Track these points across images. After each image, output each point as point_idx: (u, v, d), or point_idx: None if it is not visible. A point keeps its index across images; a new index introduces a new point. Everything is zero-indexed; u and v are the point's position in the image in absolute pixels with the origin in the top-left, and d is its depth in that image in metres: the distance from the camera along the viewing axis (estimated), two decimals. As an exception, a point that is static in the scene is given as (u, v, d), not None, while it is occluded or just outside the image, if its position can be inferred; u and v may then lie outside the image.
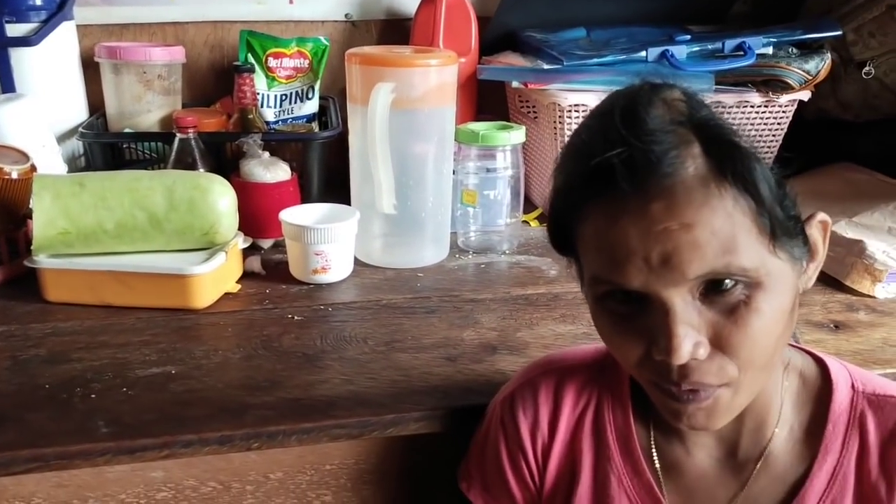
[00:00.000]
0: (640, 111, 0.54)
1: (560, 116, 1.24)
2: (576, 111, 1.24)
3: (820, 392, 0.64)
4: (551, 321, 0.99)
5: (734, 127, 0.55)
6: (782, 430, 0.63)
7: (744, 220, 0.52)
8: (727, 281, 0.53)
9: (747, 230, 0.52)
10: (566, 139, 1.26)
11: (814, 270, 0.60)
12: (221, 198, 1.05)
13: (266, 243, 1.23)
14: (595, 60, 1.25)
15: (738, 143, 0.54)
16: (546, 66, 1.27)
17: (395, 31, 1.55)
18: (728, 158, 0.52)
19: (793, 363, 0.65)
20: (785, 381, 0.64)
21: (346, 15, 1.54)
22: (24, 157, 1.11)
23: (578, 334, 0.95)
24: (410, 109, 1.10)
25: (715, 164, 0.52)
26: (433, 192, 1.17)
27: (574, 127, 1.24)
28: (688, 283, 0.53)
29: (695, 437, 0.65)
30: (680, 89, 0.57)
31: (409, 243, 1.19)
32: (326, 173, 1.33)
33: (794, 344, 0.68)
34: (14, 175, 1.08)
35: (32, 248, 1.01)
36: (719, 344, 0.54)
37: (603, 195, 0.54)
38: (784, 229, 0.54)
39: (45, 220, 1.00)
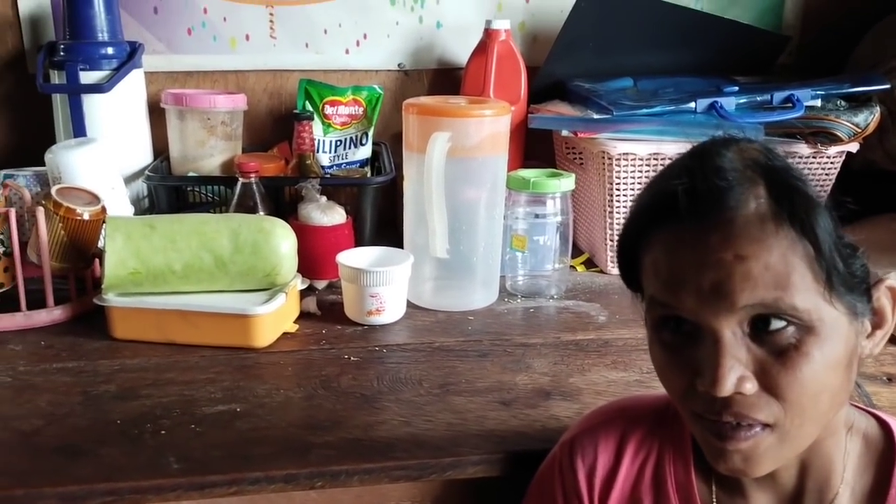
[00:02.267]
0: (713, 150, 0.58)
1: (609, 164, 1.27)
2: (625, 159, 1.27)
3: (883, 455, 0.64)
4: (603, 367, 1.00)
5: (806, 177, 0.57)
6: (844, 494, 0.63)
7: (800, 263, 0.54)
8: (778, 321, 0.54)
9: (802, 273, 0.54)
10: (615, 187, 1.28)
11: (881, 337, 0.60)
12: (283, 241, 1.10)
13: (321, 284, 1.27)
14: (644, 111, 1.28)
15: (804, 190, 0.55)
16: (596, 116, 1.30)
17: (446, 80, 1.60)
18: (791, 202, 0.54)
19: (856, 425, 0.65)
20: (848, 443, 0.64)
21: (398, 64, 1.59)
22: (95, 199, 1.17)
23: (631, 381, 0.97)
24: (465, 158, 1.14)
25: (777, 205, 0.54)
26: (484, 238, 1.20)
27: (623, 175, 1.27)
28: (737, 315, 0.54)
29: (756, 493, 0.65)
30: (759, 143, 0.59)
31: (460, 287, 1.22)
32: (378, 216, 1.37)
33: (858, 405, 0.68)
34: (86, 216, 1.13)
35: (103, 286, 1.06)
36: (766, 384, 0.55)
37: (666, 224, 0.57)
38: (843, 281, 0.55)
39: (116, 260, 1.04)
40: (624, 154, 1.26)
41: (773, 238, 0.54)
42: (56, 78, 1.35)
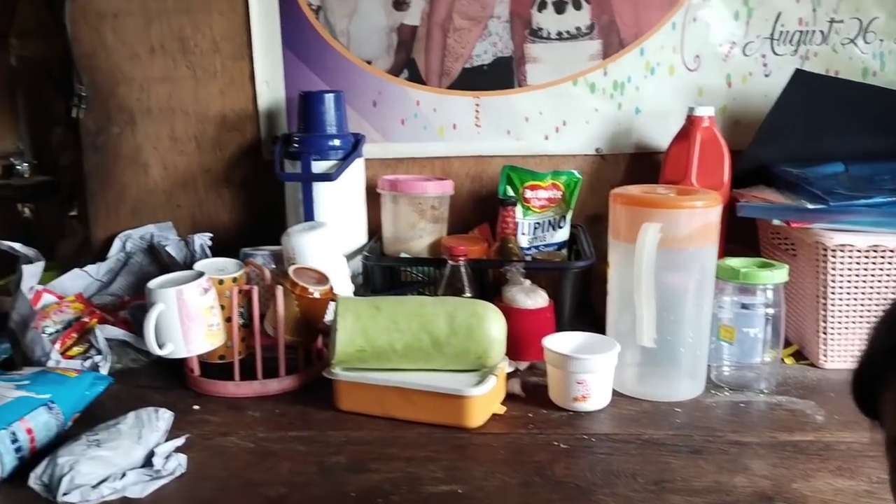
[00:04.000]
0: None
1: (824, 256, 1.23)
2: (841, 251, 1.22)
3: None
4: (827, 474, 0.96)
5: None
6: None
7: None
8: None
9: None
10: (831, 279, 1.24)
11: None
12: (494, 325, 1.15)
13: (522, 365, 1.30)
14: (863, 201, 1.24)
15: None
16: (810, 206, 1.27)
17: (644, 164, 1.62)
18: None
19: None
20: None
21: (596, 149, 1.64)
22: (324, 278, 1.28)
23: (860, 491, 0.92)
24: (674, 248, 1.14)
25: None
26: (692, 327, 1.19)
27: (839, 266, 1.23)
28: None
29: None
30: None
31: (665, 376, 1.22)
32: (576, 299, 1.40)
33: None
34: (317, 295, 1.24)
35: (332, 361, 1.15)
36: None
37: None
38: None
39: (346, 338, 1.13)
40: (841, 245, 1.22)
41: None
42: (290, 167, 1.50)
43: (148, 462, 0.96)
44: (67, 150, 4.58)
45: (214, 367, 1.29)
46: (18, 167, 4.27)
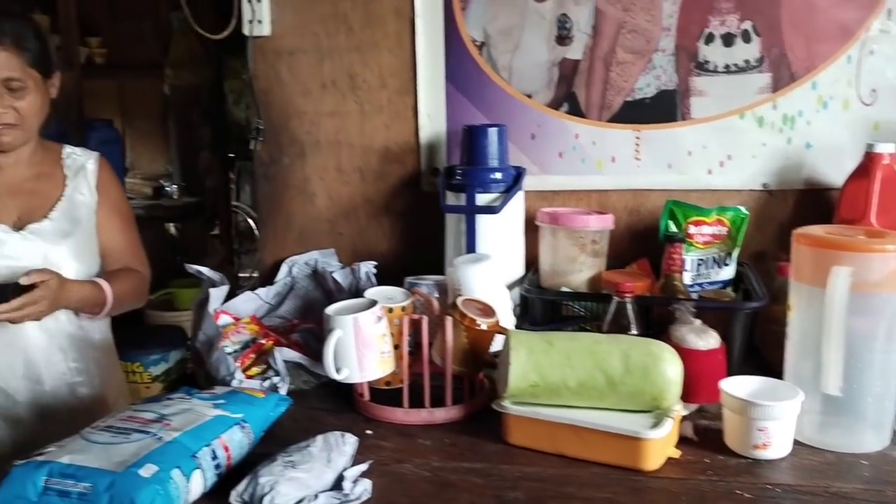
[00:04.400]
0: None
1: None
2: None
3: None
4: None
5: None
6: None
7: None
8: None
9: None
10: None
11: None
12: (671, 366, 1.13)
13: (691, 407, 1.27)
14: None
15: None
16: None
17: (815, 200, 1.56)
18: None
19: None
20: None
21: (763, 184, 1.59)
22: (491, 310, 1.30)
23: None
24: (865, 293, 1.09)
25: None
26: (880, 376, 1.13)
27: None
28: None
29: None
30: None
31: (849, 426, 1.16)
32: (745, 341, 1.35)
33: None
34: (484, 327, 1.26)
35: (504, 394, 1.16)
36: None
37: None
38: None
39: (519, 372, 1.14)
40: None
41: None
42: (452, 198, 1.53)
43: (337, 485, 1.00)
44: (212, 174, 4.87)
45: (380, 392, 1.32)
46: (167, 188, 4.57)
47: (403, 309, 1.33)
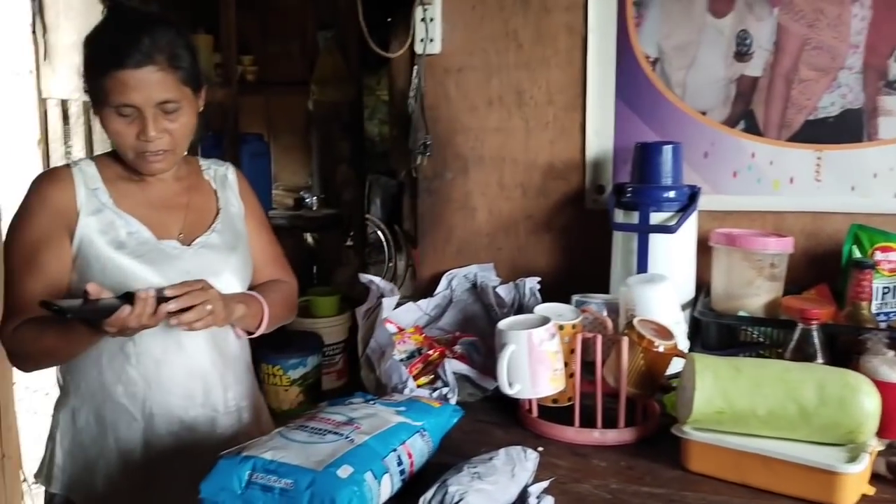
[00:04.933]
0: None
1: None
2: None
3: None
4: None
5: None
6: None
7: None
8: None
9: None
10: None
11: None
12: (869, 398, 1.06)
13: (884, 443, 1.19)
14: None
15: None
16: None
17: None
18: None
19: None
20: None
21: (958, 210, 1.48)
22: (668, 333, 1.26)
23: None
24: None
25: None
26: None
27: None
28: None
29: None
30: None
31: None
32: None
33: None
34: (661, 349, 1.23)
35: (687, 420, 1.12)
36: None
37: None
38: None
39: (704, 397, 1.10)
40: None
41: None
42: (622, 216, 1.51)
43: (521, 500, 1.00)
44: (348, 187, 5.03)
45: (546, 409, 1.31)
46: (307, 200, 4.75)
47: (574, 327, 1.32)
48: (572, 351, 1.32)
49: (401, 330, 1.56)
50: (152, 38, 1.20)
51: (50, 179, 1.29)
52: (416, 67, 1.73)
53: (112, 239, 1.25)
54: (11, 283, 1.26)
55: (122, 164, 1.30)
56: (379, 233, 5.75)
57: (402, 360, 1.46)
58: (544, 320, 1.28)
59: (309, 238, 4.77)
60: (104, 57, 1.19)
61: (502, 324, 1.28)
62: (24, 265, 1.24)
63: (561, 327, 1.30)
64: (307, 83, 4.31)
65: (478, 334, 1.57)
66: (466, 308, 1.67)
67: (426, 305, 1.68)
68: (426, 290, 1.79)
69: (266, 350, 3.65)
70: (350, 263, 5.00)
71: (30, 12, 2.59)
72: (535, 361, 1.24)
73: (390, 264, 5.64)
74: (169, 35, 1.22)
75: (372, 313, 1.51)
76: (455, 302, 1.68)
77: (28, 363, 1.28)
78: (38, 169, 2.50)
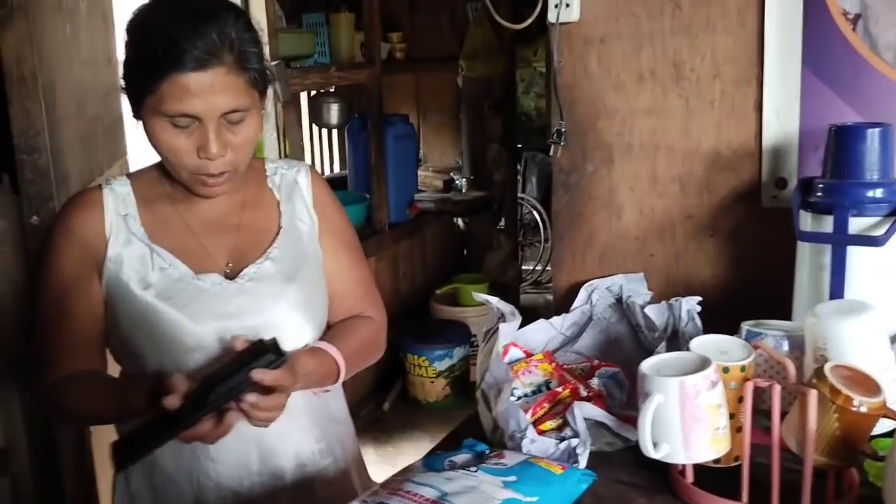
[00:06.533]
0: None
1: None
2: None
3: None
4: None
5: None
6: None
7: None
8: None
9: None
10: None
11: None
12: None
13: None
14: None
15: None
16: None
17: None
18: None
19: None
20: None
21: None
22: (872, 385, 0.94)
23: None
24: None
25: None
26: None
27: None
28: None
29: None
30: None
31: None
32: None
33: None
34: (863, 408, 0.91)
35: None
36: None
37: None
38: None
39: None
40: None
41: None
42: (810, 221, 1.18)
43: None
44: (500, 167, 4.82)
45: (706, 471, 1.03)
46: (457, 182, 4.58)
47: (743, 369, 1.02)
48: (740, 400, 1.03)
49: (528, 355, 1.31)
50: (221, 31, 0.98)
51: (77, 206, 1.10)
52: (553, 40, 1.45)
53: (141, 277, 1.06)
54: (41, 332, 1.10)
55: (163, 181, 1.12)
56: (535, 213, 5.51)
57: (525, 396, 1.23)
58: (703, 362, 0.99)
59: (459, 222, 4.62)
60: (158, 53, 0.97)
61: (646, 366, 1.01)
62: (52, 311, 1.09)
63: (726, 370, 1.01)
64: (457, 59, 4.13)
65: (622, 362, 1.29)
66: (609, 328, 1.39)
67: (561, 323, 1.41)
68: (561, 303, 1.53)
69: (410, 340, 3.57)
70: (501, 248, 4.81)
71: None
72: (689, 418, 0.96)
73: (546, 245, 5.39)
74: (238, 25, 1.00)
75: (492, 335, 1.28)
76: (596, 320, 1.41)
77: (70, 423, 1.14)
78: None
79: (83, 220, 1.09)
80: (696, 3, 1.35)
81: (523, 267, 5.05)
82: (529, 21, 1.46)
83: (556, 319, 1.42)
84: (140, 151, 2.38)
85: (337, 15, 3.26)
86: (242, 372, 0.94)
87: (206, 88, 0.97)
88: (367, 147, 3.48)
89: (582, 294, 1.45)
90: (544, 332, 1.41)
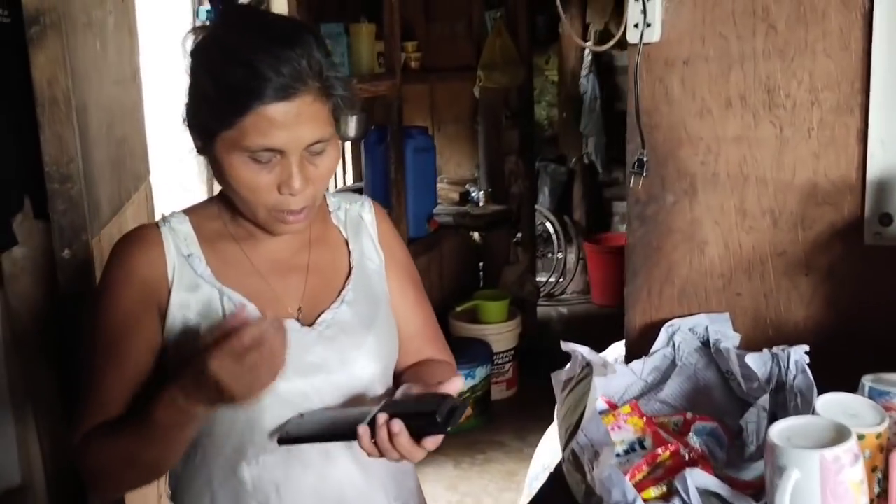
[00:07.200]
0: None
1: None
2: None
3: None
4: None
5: None
6: None
7: None
8: None
9: None
10: None
11: None
12: None
13: None
14: None
15: None
16: None
17: None
18: None
19: None
20: None
21: None
22: None
23: None
24: None
25: None
26: None
27: None
28: None
29: None
30: None
31: None
32: None
33: None
34: None
35: None
36: None
37: None
38: None
39: None
40: None
41: None
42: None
43: None
44: (517, 179, 4.71)
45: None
46: (473, 194, 4.46)
47: (878, 437, 0.92)
48: (873, 469, 0.93)
49: (612, 407, 1.20)
50: (307, 56, 0.90)
51: (135, 243, 1.01)
52: (632, 62, 1.34)
53: (211, 322, 0.96)
54: (89, 378, 0.99)
55: (223, 217, 1.03)
56: (547, 224, 5.39)
57: (617, 456, 1.11)
58: (840, 432, 0.89)
59: (476, 236, 4.50)
60: (240, 83, 0.87)
61: (775, 433, 0.91)
62: (105, 354, 0.98)
63: (861, 437, 0.91)
64: (474, 69, 4.02)
65: (714, 414, 1.19)
66: (697, 375, 1.28)
67: (641, 369, 1.30)
68: (635, 343, 1.42)
69: (431, 360, 3.46)
70: (519, 262, 4.69)
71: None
72: (830, 496, 0.86)
73: (559, 256, 5.27)
74: (319, 49, 0.92)
75: (574, 386, 1.17)
76: (681, 366, 1.30)
77: (108, 482, 0.98)
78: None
79: (144, 260, 0.99)
80: (793, 24, 1.24)
81: (538, 279, 4.94)
82: (612, 43, 1.35)
83: (635, 364, 1.31)
84: (161, 171, 2.29)
85: (358, 26, 3.14)
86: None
87: (292, 119, 0.89)
88: (386, 160, 3.36)
89: (662, 335, 1.33)
90: (623, 377, 1.30)
